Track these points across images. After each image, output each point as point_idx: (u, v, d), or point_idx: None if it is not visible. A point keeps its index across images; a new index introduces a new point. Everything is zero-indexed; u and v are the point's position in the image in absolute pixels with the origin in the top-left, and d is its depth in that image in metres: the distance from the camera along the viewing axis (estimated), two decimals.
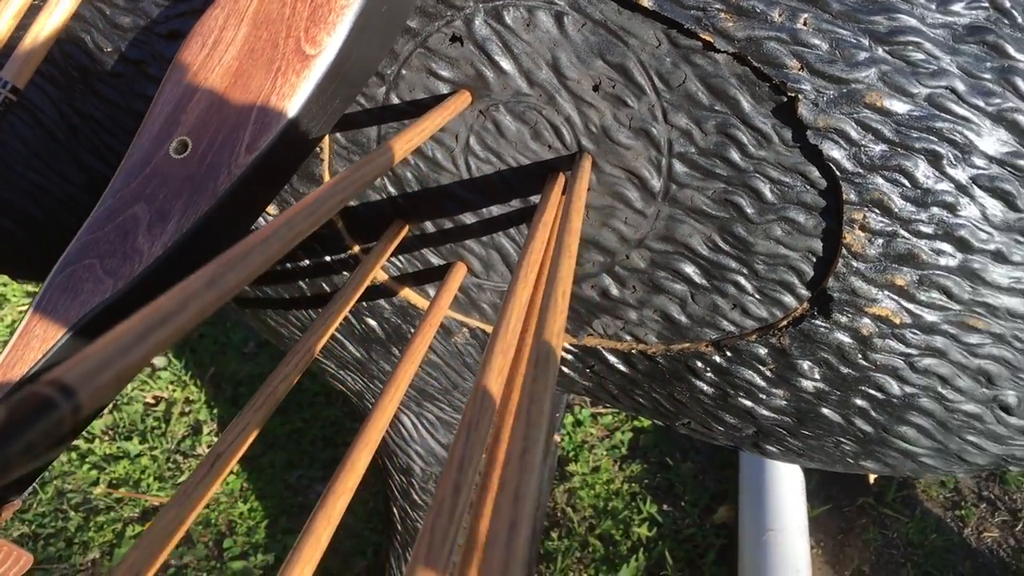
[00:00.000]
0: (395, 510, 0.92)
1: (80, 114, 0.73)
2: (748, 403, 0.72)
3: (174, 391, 1.61)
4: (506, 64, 0.63)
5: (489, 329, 0.74)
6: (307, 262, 0.74)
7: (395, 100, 0.66)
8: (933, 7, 0.59)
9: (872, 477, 1.48)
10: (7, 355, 0.51)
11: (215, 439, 1.54)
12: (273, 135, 0.53)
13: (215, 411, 1.59)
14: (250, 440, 0.46)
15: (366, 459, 0.45)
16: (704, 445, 1.53)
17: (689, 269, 0.67)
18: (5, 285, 1.92)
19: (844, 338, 0.66)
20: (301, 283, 0.76)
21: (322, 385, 1.64)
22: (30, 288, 1.92)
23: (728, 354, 0.69)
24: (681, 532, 1.38)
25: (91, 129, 0.74)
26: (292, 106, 0.53)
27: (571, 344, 0.74)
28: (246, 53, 0.54)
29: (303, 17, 0.54)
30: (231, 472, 1.46)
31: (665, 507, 1.41)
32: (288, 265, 0.74)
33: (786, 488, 1.31)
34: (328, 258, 0.73)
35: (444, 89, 0.65)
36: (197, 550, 1.33)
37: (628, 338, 0.72)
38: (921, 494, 1.47)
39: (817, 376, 0.68)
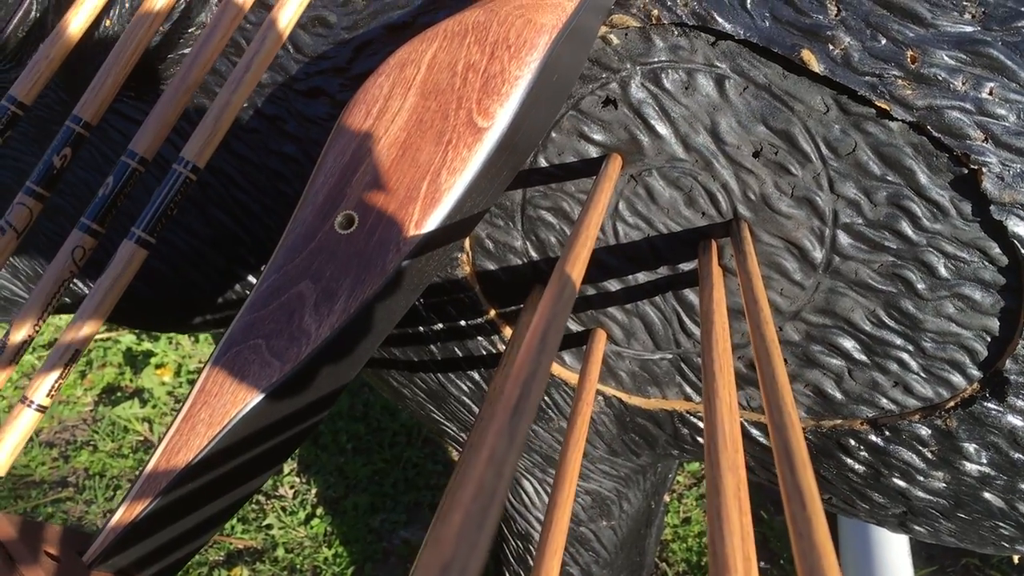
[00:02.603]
0: (507, 574, 0.89)
1: (210, 168, 0.72)
2: (902, 484, 0.68)
3: None
4: (662, 128, 0.61)
5: (625, 397, 0.71)
6: (441, 325, 0.71)
7: (543, 163, 0.63)
8: None
9: None
10: (170, 440, 0.49)
11: (297, 479, 1.52)
12: (444, 211, 0.50)
13: (296, 451, 1.57)
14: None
15: (557, 564, 0.43)
16: None
17: (848, 344, 0.64)
18: None
19: (1018, 422, 0.62)
20: (432, 346, 0.73)
21: (402, 425, 1.61)
22: None
23: (886, 433, 0.65)
24: None
25: (221, 184, 0.72)
26: (463, 180, 0.51)
27: None
28: (414, 124, 0.52)
29: (475, 88, 0.51)
30: (316, 516, 1.44)
31: (762, 564, 1.36)
32: (421, 328, 0.72)
33: (892, 549, 1.26)
34: (463, 322, 0.71)
35: (594, 153, 0.62)
36: None
37: None
38: None
39: (984, 460, 0.64)
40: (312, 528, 1.42)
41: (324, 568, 1.36)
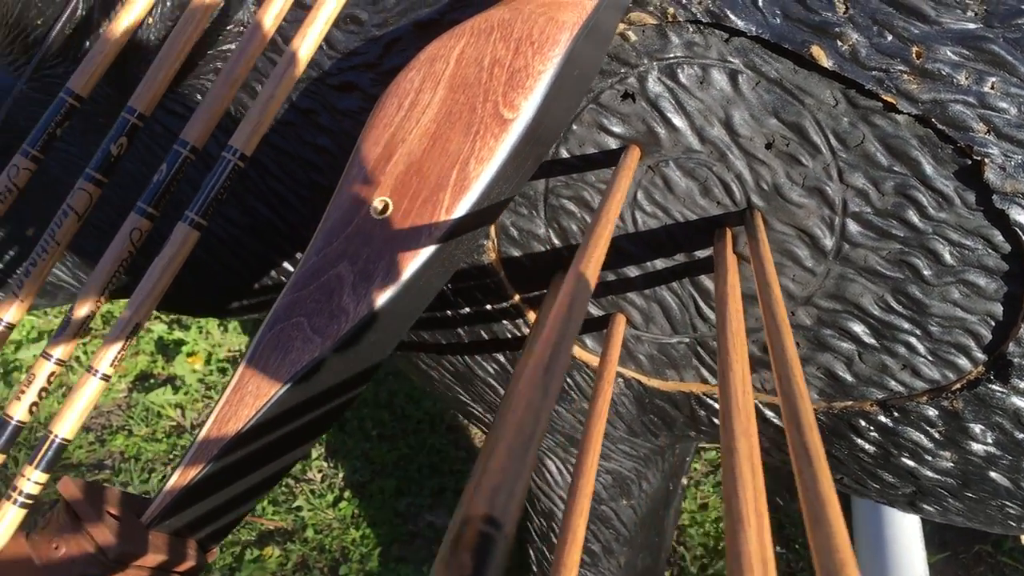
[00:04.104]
0: (532, 552, 0.93)
1: (249, 161, 0.75)
2: (911, 463, 0.71)
3: None
4: (678, 121, 0.64)
5: (644, 379, 0.74)
6: (468, 310, 0.75)
7: (564, 154, 0.67)
8: None
9: None
10: (220, 410, 0.52)
11: (324, 463, 1.56)
12: (473, 197, 0.54)
13: (323, 435, 1.61)
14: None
15: (582, 528, 0.46)
16: None
17: (858, 328, 0.66)
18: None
19: (1022, 403, 0.64)
20: (460, 330, 0.77)
21: (425, 412, 1.65)
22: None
23: (895, 414, 0.68)
24: None
25: (258, 175, 0.76)
26: (490, 169, 0.54)
27: None
28: (444, 116, 0.55)
29: (501, 82, 0.55)
30: (343, 499, 1.48)
31: (779, 548, 1.39)
32: (448, 312, 0.76)
33: (905, 535, 1.28)
34: (489, 306, 0.74)
35: (613, 144, 0.66)
36: None
37: None
38: None
39: (989, 440, 0.67)
40: (340, 510, 1.46)
41: (352, 548, 1.40)
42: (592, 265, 0.41)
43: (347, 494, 1.50)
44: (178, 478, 0.52)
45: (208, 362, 1.80)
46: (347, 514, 1.46)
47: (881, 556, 1.26)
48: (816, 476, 0.34)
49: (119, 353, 0.54)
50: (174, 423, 1.66)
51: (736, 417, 0.42)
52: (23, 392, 0.54)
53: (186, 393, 1.72)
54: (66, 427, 0.53)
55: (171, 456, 1.58)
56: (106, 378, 0.54)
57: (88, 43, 0.74)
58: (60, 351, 0.55)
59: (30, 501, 0.52)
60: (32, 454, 0.52)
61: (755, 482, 0.42)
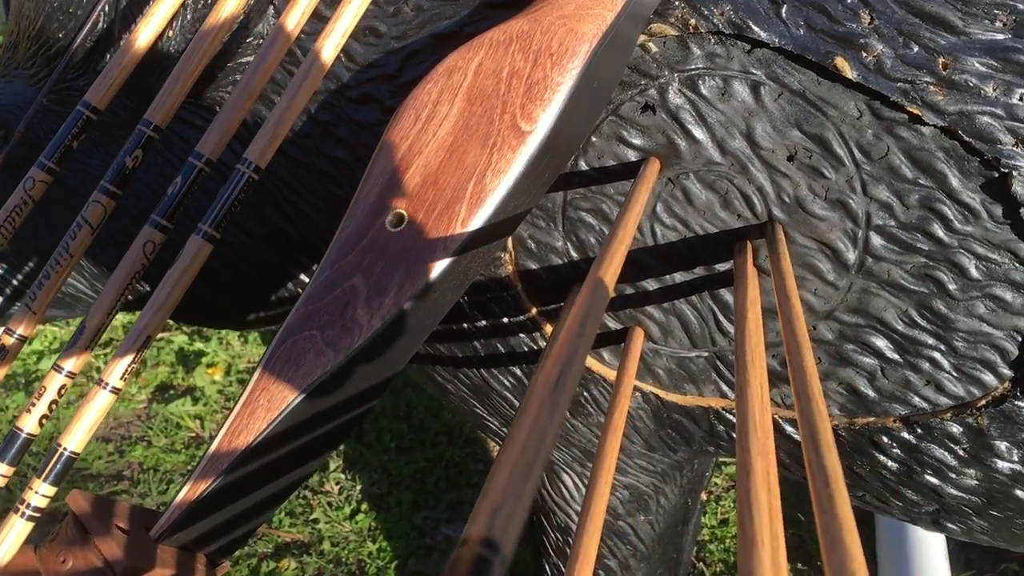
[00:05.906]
0: (547, 567, 0.92)
1: (265, 172, 0.75)
2: (935, 481, 0.69)
3: None
4: (699, 133, 0.63)
5: (662, 393, 0.73)
6: (484, 323, 0.74)
7: (583, 166, 0.66)
8: None
9: None
10: (231, 423, 0.52)
11: (342, 475, 1.56)
12: (489, 210, 0.53)
13: (341, 447, 1.61)
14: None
15: (594, 548, 0.45)
16: None
17: (881, 343, 0.65)
18: None
19: None
20: (476, 343, 0.76)
21: (444, 425, 1.65)
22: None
23: (919, 431, 0.67)
24: None
25: (274, 186, 0.76)
26: (507, 181, 0.53)
27: None
28: (461, 128, 0.55)
29: (519, 94, 0.54)
30: (360, 511, 1.48)
31: (799, 566, 1.37)
32: (464, 325, 0.75)
33: (929, 553, 1.26)
34: (505, 320, 0.73)
35: (633, 156, 0.65)
36: None
37: None
38: None
39: (1015, 458, 0.65)
40: (357, 523, 1.46)
41: (368, 562, 1.39)
42: (608, 279, 0.41)
43: (364, 506, 1.49)
44: (188, 491, 0.52)
45: (228, 373, 1.81)
46: (364, 527, 1.45)
47: (905, 574, 1.24)
48: (833, 497, 0.33)
49: (130, 366, 0.54)
50: (193, 434, 1.66)
51: (753, 435, 0.41)
52: (34, 405, 0.53)
53: (205, 404, 1.72)
54: (75, 440, 0.52)
55: (189, 467, 1.57)
56: (116, 391, 0.53)
57: (108, 56, 0.74)
58: (71, 363, 0.55)
59: (37, 514, 0.52)
60: (41, 467, 0.52)
61: (771, 502, 0.41)
